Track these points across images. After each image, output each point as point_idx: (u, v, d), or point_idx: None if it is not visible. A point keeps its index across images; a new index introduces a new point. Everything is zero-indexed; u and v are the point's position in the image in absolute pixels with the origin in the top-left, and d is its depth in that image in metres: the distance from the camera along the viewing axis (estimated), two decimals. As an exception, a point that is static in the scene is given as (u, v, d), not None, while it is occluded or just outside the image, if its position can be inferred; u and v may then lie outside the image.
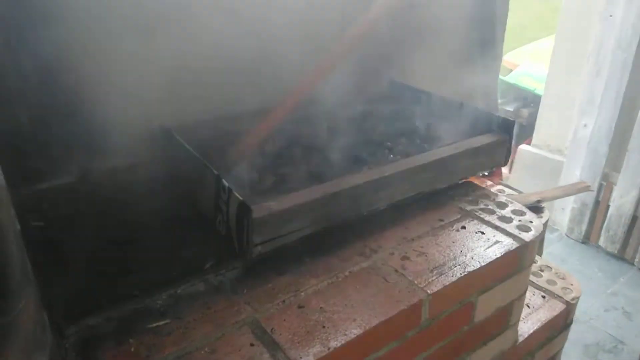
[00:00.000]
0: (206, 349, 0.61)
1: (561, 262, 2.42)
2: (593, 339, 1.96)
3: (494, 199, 0.94)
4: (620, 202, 2.30)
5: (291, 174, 0.90)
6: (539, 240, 0.88)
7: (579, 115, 2.39)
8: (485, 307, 0.82)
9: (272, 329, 0.64)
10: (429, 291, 0.71)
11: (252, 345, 0.62)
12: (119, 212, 0.84)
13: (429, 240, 0.82)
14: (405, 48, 1.30)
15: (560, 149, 2.58)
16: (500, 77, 4.23)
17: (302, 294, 0.71)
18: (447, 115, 1.11)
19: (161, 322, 0.65)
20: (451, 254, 0.78)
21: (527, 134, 2.99)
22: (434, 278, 0.73)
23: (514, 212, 0.90)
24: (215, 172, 0.80)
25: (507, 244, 0.81)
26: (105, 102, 0.91)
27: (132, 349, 0.61)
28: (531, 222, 0.86)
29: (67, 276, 0.70)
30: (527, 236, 0.83)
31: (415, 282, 0.72)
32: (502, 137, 1.00)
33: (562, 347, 1.12)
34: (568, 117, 2.48)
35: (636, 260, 2.32)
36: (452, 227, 0.85)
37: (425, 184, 0.92)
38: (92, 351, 0.60)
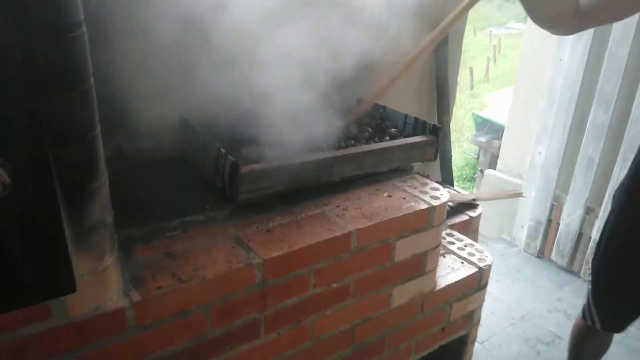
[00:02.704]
0: (203, 248, 0.93)
1: (517, 272, 2.73)
2: (534, 334, 2.25)
3: (420, 181, 1.27)
4: (568, 220, 2.63)
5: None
6: (446, 207, 1.19)
7: (535, 144, 2.74)
8: (403, 250, 1.14)
9: (248, 240, 0.97)
10: (357, 227, 1.03)
11: (233, 247, 0.94)
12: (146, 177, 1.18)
13: (365, 201, 1.15)
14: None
15: (520, 174, 2.92)
16: (476, 112, 4.62)
17: (270, 224, 1.03)
18: (396, 123, 1.46)
19: (173, 233, 0.97)
20: (377, 209, 1.11)
21: (496, 162, 3.34)
22: (362, 220, 1.06)
23: (432, 188, 1.23)
24: (216, 144, 1.13)
25: (420, 205, 1.14)
26: (137, 97, 1.26)
27: (154, 246, 0.93)
28: (442, 194, 1.20)
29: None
30: (436, 202, 1.16)
31: (349, 222, 1.05)
32: (431, 137, 1.34)
33: (480, 306, 1.43)
34: (527, 146, 2.83)
35: (581, 272, 2.62)
36: (384, 194, 1.18)
37: (369, 166, 1.25)
38: (128, 248, 0.92)
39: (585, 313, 1.49)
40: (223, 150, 1.10)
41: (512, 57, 9.56)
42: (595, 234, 2.48)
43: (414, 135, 1.40)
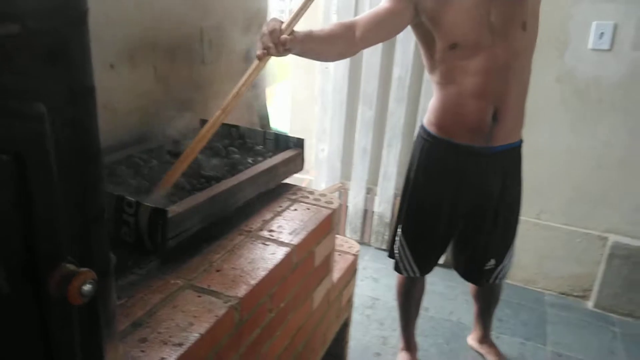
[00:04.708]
0: (168, 306, 0.85)
1: (324, 256, 3.09)
2: (359, 302, 2.63)
3: (306, 191, 1.38)
4: (354, 202, 3.11)
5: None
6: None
7: (317, 142, 3.13)
8: (319, 255, 1.24)
9: (207, 285, 0.92)
10: (294, 243, 1.09)
11: (199, 296, 0.88)
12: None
13: (279, 219, 1.20)
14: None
15: (308, 170, 3.29)
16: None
17: (215, 263, 0.99)
18: (256, 140, 1.52)
19: (121, 302, 0.84)
20: (296, 223, 1.18)
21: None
22: (292, 238, 1.12)
23: (320, 195, 1.36)
24: (115, 194, 1.00)
25: (325, 212, 1.26)
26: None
27: (112, 321, 0.79)
28: (332, 199, 1.34)
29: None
30: (333, 206, 1.30)
31: (284, 241, 1.09)
32: (299, 150, 1.47)
33: (354, 288, 1.64)
34: (310, 145, 3.20)
35: (372, 241, 3.15)
36: (290, 209, 1.25)
37: (263, 185, 1.30)
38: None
39: (406, 269, 1.84)
40: (131, 199, 0.98)
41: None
42: (378, 207, 3.03)
43: (276, 150, 1.50)
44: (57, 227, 0.44)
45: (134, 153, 1.33)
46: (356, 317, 2.51)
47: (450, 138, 1.62)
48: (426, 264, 1.84)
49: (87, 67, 0.49)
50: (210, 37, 1.70)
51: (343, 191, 3.14)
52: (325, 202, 1.32)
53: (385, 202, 2.98)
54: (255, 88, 2.00)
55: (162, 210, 0.95)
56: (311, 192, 1.37)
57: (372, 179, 3.03)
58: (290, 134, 3.31)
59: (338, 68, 2.87)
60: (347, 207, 3.16)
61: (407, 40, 2.62)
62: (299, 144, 1.48)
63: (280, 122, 3.87)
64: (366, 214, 3.14)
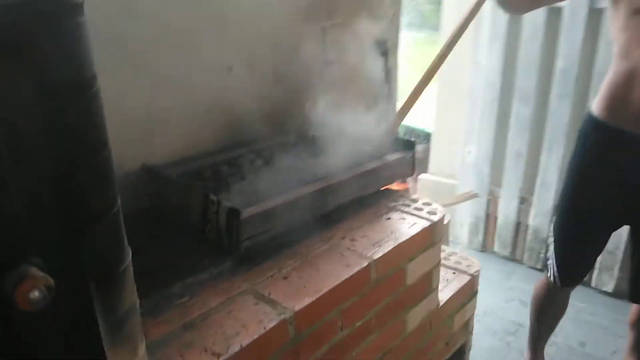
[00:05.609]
0: (223, 310, 0.83)
1: (467, 269, 2.83)
2: (499, 326, 2.34)
3: (409, 198, 1.25)
4: (505, 213, 2.78)
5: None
6: (443, 223, 1.20)
7: (464, 144, 2.88)
8: (413, 272, 1.11)
9: (268, 293, 0.87)
10: (374, 257, 0.98)
11: (256, 304, 0.85)
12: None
13: (367, 228, 1.10)
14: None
15: (453, 174, 3.05)
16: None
17: (284, 270, 0.95)
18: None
19: (183, 300, 0.85)
20: (384, 234, 1.07)
21: (423, 166, 3.47)
22: (375, 249, 1.01)
23: (424, 204, 1.22)
24: (203, 191, 1.02)
25: (422, 223, 1.12)
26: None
27: (166, 319, 0.80)
28: (437, 209, 1.19)
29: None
30: (435, 217, 1.14)
31: (363, 253, 1.00)
32: (407, 153, 1.34)
33: (473, 313, 1.44)
34: (455, 147, 2.97)
35: (524, 259, 2.78)
36: (383, 217, 1.14)
37: (359, 190, 1.21)
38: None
39: (549, 269, 1.57)
40: (214, 197, 0.99)
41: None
42: (533, 220, 2.66)
43: (385, 152, 1.39)
44: (12, 228, 0.44)
45: (244, 153, 1.34)
46: (495, 342, 2.24)
47: (615, 124, 1.34)
48: (568, 271, 1.55)
49: (71, 62, 0.48)
50: (333, 36, 1.67)
51: (492, 199, 2.83)
52: (428, 212, 1.17)
53: (542, 215, 2.60)
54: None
55: (236, 210, 0.94)
56: (414, 200, 1.23)
57: (527, 188, 2.67)
58: (434, 134, 3.13)
59: (490, 60, 2.60)
60: (496, 217, 2.85)
61: (574, 27, 2.24)
62: (409, 146, 1.35)
63: (424, 120, 3.68)
64: (519, 227, 2.78)
